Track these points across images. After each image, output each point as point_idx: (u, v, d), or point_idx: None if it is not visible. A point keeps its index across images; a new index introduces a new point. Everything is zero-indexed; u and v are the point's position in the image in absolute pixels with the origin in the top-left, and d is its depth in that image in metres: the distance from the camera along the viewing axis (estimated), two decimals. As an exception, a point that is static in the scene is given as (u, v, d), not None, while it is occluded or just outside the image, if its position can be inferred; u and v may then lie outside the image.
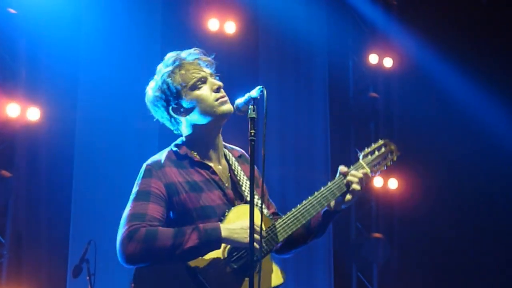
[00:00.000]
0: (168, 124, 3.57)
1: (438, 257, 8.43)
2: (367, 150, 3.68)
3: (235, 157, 3.59)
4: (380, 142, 3.74)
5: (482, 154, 8.40)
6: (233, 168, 3.53)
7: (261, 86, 3.24)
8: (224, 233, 3.23)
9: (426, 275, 8.47)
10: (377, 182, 8.49)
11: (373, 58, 8.85)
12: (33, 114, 6.73)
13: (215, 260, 3.28)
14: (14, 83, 6.77)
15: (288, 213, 3.44)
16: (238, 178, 3.50)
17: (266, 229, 3.35)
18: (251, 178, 3.16)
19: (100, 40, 7.07)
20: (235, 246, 3.28)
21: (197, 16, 7.78)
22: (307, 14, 8.26)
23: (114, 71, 7.02)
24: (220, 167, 3.51)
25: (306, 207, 3.45)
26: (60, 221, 6.77)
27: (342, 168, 3.54)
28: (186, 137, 3.52)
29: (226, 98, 3.46)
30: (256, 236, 3.15)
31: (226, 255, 3.30)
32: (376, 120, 8.84)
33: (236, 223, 3.27)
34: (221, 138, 3.56)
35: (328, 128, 8.39)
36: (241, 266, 3.29)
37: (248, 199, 3.38)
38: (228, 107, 3.44)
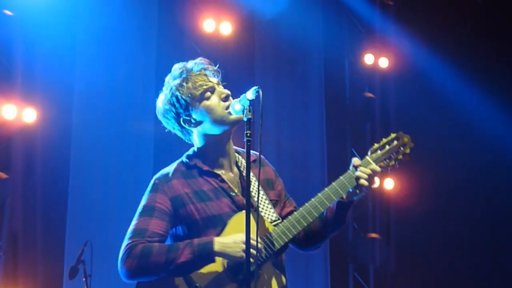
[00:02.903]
0: (180, 135, 3.60)
1: (435, 257, 8.44)
2: (376, 145, 3.59)
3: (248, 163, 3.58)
4: (392, 135, 3.62)
5: (479, 154, 8.41)
6: (244, 174, 3.52)
7: (257, 87, 3.24)
8: (216, 247, 3.26)
9: (423, 275, 8.47)
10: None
11: (369, 58, 8.85)
12: (29, 115, 6.72)
13: (215, 271, 3.31)
14: (10, 84, 6.76)
15: (295, 213, 3.43)
16: (249, 184, 3.49)
17: (262, 237, 3.34)
18: (247, 180, 3.17)
19: (96, 41, 7.07)
20: (229, 260, 3.30)
21: (193, 17, 7.78)
22: (303, 14, 8.26)
23: (110, 72, 7.02)
24: (231, 174, 3.53)
25: (314, 204, 3.43)
26: (56, 222, 6.76)
27: (355, 161, 3.49)
28: (198, 148, 3.55)
29: None
30: (252, 251, 3.18)
31: (225, 266, 3.32)
32: (372, 121, 8.85)
33: (229, 236, 3.28)
34: (232, 144, 3.57)
35: (324, 129, 8.39)
36: (239, 277, 3.31)
37: (258, 204, 3.38)
38: (238, 115, 3.44)
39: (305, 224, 3.41)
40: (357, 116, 8.83)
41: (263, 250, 3.34)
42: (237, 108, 3.39)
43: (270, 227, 3.41)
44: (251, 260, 3.18)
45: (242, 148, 3.62)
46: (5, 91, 6.70)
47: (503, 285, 8.31)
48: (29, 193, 6.75)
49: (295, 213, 3.44)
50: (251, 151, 3.63)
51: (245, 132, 3.19)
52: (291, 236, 3.40)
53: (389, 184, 8.57)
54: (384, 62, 8.86)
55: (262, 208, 3.39)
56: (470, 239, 8.42)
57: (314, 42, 8.44)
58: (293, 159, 8.16)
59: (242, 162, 3.59)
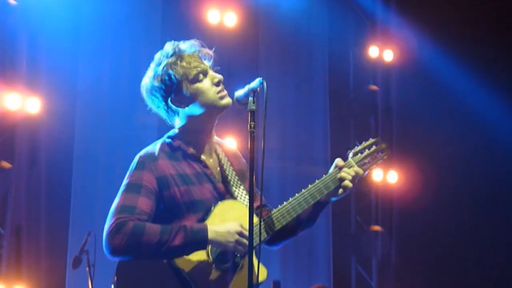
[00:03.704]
0: (163, 114, 3.54)
1: (437, 250, 8.45)
2: (357, 148, 3.69)
3: (224, 152, 3.60)
4: (371, 140, 3.74)
5: (482, 147, 8.41)
6: (223, 163, 3.53)
7: (261, 78, 3.23)
8: (210, 235, 3.24)
9: (425, 268, 8.49)
10: (377, 175, 8.49)
11: (373, 51, 8.85)
12: (33, 105, 6.72)
13: (202, 259, 3.29)
14: (15, 74, 6.76)
15: (280, 207, 3.46)
16: (227, 173, 3.51)
17: (262, 219, 3.37)
18: (251, 173, 3.16)
19: (100, 31, 7.07)
20: (220, 248, 3.30)
21: (198, 8, 7.76)
22: (307, 6, 8.25)
23: (113, 63, 7.02)
24: (211, 160, 3.51)
25: (299, 200, 3.47)
26: (59, 212, 6.78)
27: (339, 162, 3.56)
28: (179, 128, 3.51)
29: (226, 92, 3.46)
30: (244, 240, 3.24)
31: (212, 255, 3.31)
32: (376, 113, 8.85)
33: (223, 225, 3.28)
34: (214, 133, 3.56)
35: (328, 121, 8.39)
36: (227, 266, 3.30)
37: (236, 194, 3.44)
38: (228, 100, 3.44)
39: (294, 216, 3.46)
40: (361, 109, 8.84)
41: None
42: (242, 100, 3.37)
43: (254, 217, 3.41)
44: (242, 250, 3.25)
45: (227, 135, 3.63)
46: (9, 80, 6.70)
47: (505, 278, 8.31)
48: (33, 182, 6.76)
49: (285, 203, 3.47)
50: (225, 142, 3.69)
51: (249, 123, 3.17)
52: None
53: (392, 177, 8.57)
54: (388, 55, 8.86)
55: (241, 198, 3.42)
56: (472, 232, 8.42)
57: (318, 34, 8.44)
58: (297, 151, 8.17)
59: (220, 150, 3.57)
